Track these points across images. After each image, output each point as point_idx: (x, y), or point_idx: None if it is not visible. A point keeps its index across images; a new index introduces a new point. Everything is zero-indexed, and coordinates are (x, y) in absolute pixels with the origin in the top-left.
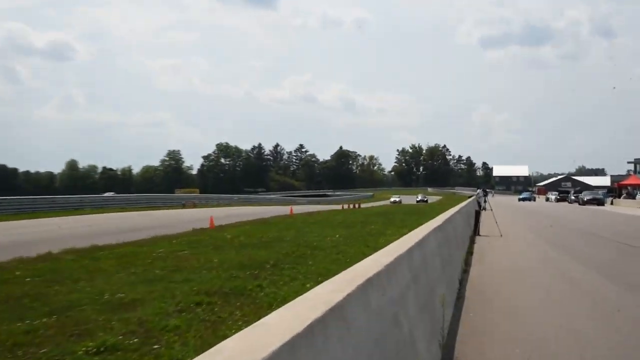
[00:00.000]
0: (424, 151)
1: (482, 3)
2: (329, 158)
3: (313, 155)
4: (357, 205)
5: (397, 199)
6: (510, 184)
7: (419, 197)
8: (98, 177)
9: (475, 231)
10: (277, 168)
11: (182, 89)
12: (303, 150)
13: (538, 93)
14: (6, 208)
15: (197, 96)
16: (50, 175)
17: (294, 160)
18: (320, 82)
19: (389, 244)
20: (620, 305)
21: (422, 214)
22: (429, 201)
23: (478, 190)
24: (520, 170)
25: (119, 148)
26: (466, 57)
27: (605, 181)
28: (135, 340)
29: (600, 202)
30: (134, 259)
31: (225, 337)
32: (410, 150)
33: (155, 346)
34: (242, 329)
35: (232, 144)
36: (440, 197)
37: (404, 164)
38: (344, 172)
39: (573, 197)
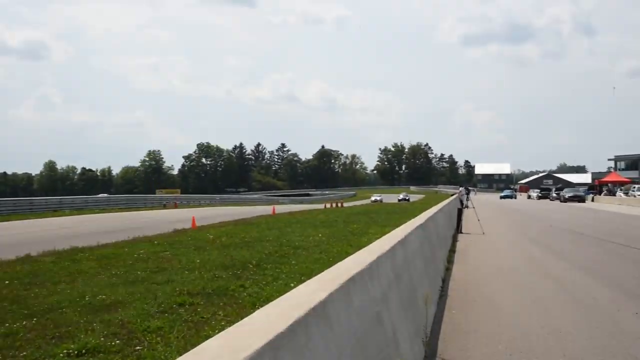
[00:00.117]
0: (406, 150)
1: (463, 1)
2: (311, 157)
3: (295, 155)
4: (339, 205)
5: (378, 198)
6: (492, 182)
7: (401, 196)
8: (77, 178)
9: (458, 229)
10: (259, 168)
11: (162, 88)
12: (285, 149)
13: (520, 91)
14: None
15: (176, 95)
16: (28, 177)
17: (275, 160)
18: (302, 81)
19: (371, 242)
20: (603, 302)
21: (405, 212)
22: (411, 200)
23: (460, 189)
24: (502, 168)
25: (98, 149)
26: (448, 55)
27: (586, 178)
28: (117, 342)
29: (581, 199)
30: (115, 260)
31: (208, 337)
32: (393, 149)
33: (138, 348)
34: (225, 329)
35: (213, 143)
36: (423, 196)
37: (386, 163)
38: (326, 171)
39: (555, 195)
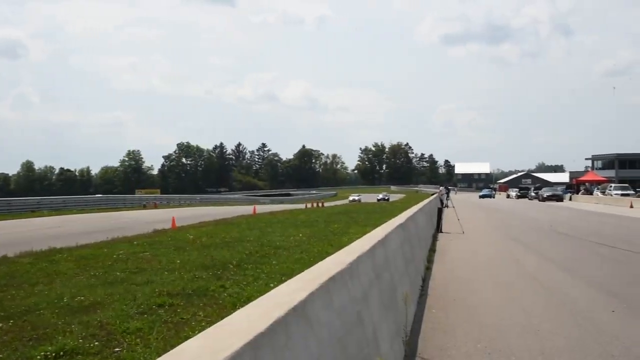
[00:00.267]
0: (386, 149)
1: (444, 1)
2: (292, 157)
3: (276, 155)
4: (320, 204)
5: (357, 198)
6: (472, 181)
7: (380, 196)
8: (55, 178)
9: (438, 228)
10: (239, 167)
11: (141, 87)
12: (266, 149)
13: (499, 90)
14: None
15: (156, 95)
16: (4, 177)
17: (256, 160)
18: (283, 81)
19: (352, 242)
20: (580, 301)
21: (385, 212)
22: (392, 199)
23: (440, 188)
24: (482, 167)
25: (77, 149)
26: (429, 55)
27: (564, 177)
28: (96, 343)
29: (559, 198)
30: (93, 261)
31: (188, 338)
32: (373, 149)
33: (117, 349)
34: (205, 330)
35: (194, 143)
36: (404, 195)
37: (367, 162)
38: (307, 171)
39: (533, 194)
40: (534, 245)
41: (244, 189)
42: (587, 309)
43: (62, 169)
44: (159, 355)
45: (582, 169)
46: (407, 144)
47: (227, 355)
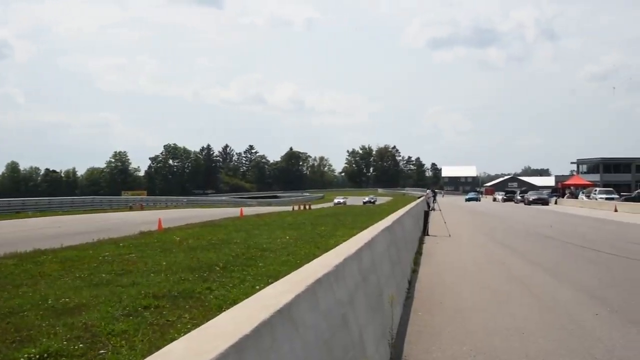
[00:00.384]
0: (374, 152)
1: (430, 4)
2: (280, 159)
3: (263, 157)
4: (307, 207)
5: (342, 200)
6: (458, 185)
7: (366, 199)
8: (40, 179)
9: (424, 231)
10: (226, 169)
11: (128, 88)
12: (253, 151)
13: (485, 94)
14: None
15: (143, 96)
16: None
17: (243, 162)
18: (270, 83)
19: (339, 245)
20: (565, 303)
21: (372, 215)
22: (378, 202)
23: (427, 191)
24: (469, 170)
25: (63, 150)
26: (416, 58)
27: (549, 181)
28: (81, 345)
29: (545, 202)
30: (79, 262)
31: (173, 340)
32: (361, 151)
33: (102, 351)
34: (190, 332)
35: (180, 145)
36: (391, 198)
37: (354, 165)
38: (294, 173)
39: (519, 197)
40: (520, 249)
41: (231, 191)
42: (572, 311)
43: (47, 170)
44: (144, 357)
45: (568, 173)
46: (394, 147)
47: (212, 358)
